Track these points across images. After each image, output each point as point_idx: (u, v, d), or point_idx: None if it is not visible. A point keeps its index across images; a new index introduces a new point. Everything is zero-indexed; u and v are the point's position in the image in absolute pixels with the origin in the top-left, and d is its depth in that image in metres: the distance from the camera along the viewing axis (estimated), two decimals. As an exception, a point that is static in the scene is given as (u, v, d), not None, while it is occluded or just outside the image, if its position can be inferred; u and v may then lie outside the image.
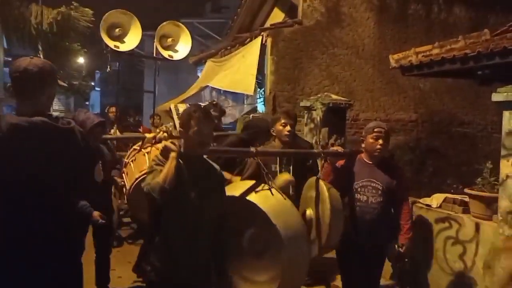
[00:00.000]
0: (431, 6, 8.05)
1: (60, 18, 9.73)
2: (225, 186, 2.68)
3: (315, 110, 5.45)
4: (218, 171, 2.54)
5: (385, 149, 3.21)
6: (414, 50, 4.97)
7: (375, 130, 3.18)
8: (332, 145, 4.91)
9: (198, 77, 11.34)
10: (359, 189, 3.20)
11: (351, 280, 3.31)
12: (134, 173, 3.88)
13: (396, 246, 3.18)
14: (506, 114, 3.24)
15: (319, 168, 3.66)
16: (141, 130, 7.91)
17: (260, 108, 9.94)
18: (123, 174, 4.12)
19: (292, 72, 7.34)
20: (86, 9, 10.10)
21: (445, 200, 3.93)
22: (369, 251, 3.17)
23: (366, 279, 3.23)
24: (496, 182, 3.43)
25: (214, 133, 2.76)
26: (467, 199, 3.72)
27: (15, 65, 2.09)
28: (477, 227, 3.52)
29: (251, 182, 2.95)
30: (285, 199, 2.88)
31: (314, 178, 3.12)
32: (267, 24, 8.51)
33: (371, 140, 3.18)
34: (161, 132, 3.78)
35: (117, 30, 7.06)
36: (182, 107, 5.57)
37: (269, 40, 7.34)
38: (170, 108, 6.04)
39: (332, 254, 3.35)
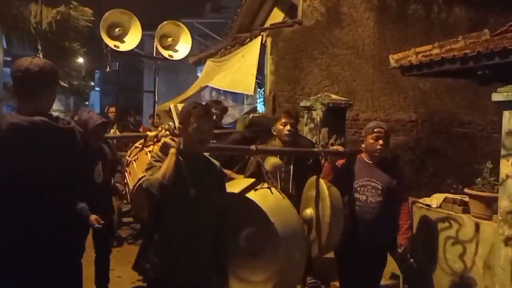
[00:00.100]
0: (431, 6, 8.05)
1: (60, 18, 9.70)
2: (226, 183, 2.68)
3: (315, 110, 5.44)
4: (218, 167, 2.52)
5: (385, 149, 3.21)
6: (414, 50, 4.97)
7: (375, 130, 3.18)
8: (332, 145, 4.91)
9: (198, 77, 11.33)
10: (358, 189, 3.20)
11: (349, 281, 3.30)
12: (137, 173, 3.87)
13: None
14: (506, 114, 3.24)
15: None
16: (141, 130, 7.90)
17: (260, 108, 9.93)
18: (126, 174, 4.11)
19: (292, 72, 7.34)
20: (86, 8, 10.07)
21: (445, 200, 3.93)
22: (369, 252, 3.16)
23: (366, 280, 3.22)
24: (496, 182, 3.43)
25: (217, 131, 2.76)
26: (467, 199, 3.72)
27: (17, 64, 2.09)
28: (477, 227, 3.52)
29: (251, 180, 2.96)
30: (284, 198, 2.88)
31: (314, 177, 3.12)
32: (267, 24, 8.51)
33: (371, 141, 3.18)
34: (163, 131, 3.76)
35: (117, 29, 7.04)
36: (181, 107, 5.55)
37: (269, 40, 7.34)
38: (169, 108, 6.04)
39: (332, 254, 3.35)
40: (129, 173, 4.06)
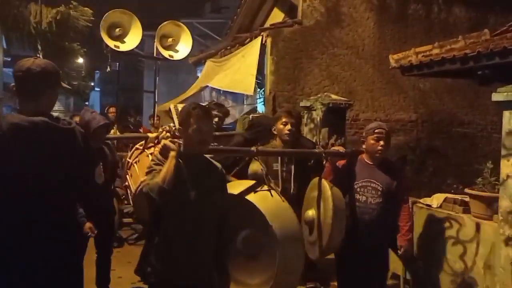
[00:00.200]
0: (431, 6, 8.04)
1: (60, 18, 9.70)
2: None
3: (315, 110, 5.44)
4: (219, 169, 2.50)
5: (386, 150, 3.21)
6: (414, 50, 4.97)
7: (376, 131, 3.18)
8: (333, 145, 4.91)
9: (198, 77, 11.33)
10: (358, 189, 3.20)
11: (347, 281, 3.30)
12: (139, 175, 3.85)
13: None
14: (506, 114, 3.24)
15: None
16: (141, 130, 7.91)
17: (260, 108, 9.92)
18: (127, 176, 4.09)
19: (292, 72, 7.33)
20: (86, 8, 10.08)
21: (445, 200, 3.93)
22: (369, 252, 3.16)
23: (366, 280, 3.21)
24: (496, 182, 3.43)
25: (217, 133, 2.74)
26: (467, 199, 3.72)
27: (19, 65, 2.10)
28: (478, 227, 3.52)
29: (251, 182, 2.95)
30: (283, 201, 2.87)
31: (317, 178, 3.12)
32: (267, 24, 8.50)
33: (372, 141, 3.18)
34: (164, 132, 3.74)
35: (117, 30, 7.04)
36: (181, 108, 5.54)
37: (269, 40, 7.33)
38: (169, 108, 6.04)
39: (332, 255, 3.35)
40: (131, 176, 4.05)
